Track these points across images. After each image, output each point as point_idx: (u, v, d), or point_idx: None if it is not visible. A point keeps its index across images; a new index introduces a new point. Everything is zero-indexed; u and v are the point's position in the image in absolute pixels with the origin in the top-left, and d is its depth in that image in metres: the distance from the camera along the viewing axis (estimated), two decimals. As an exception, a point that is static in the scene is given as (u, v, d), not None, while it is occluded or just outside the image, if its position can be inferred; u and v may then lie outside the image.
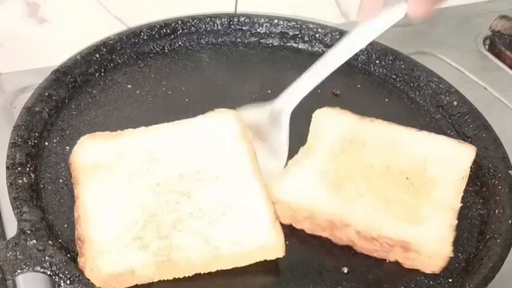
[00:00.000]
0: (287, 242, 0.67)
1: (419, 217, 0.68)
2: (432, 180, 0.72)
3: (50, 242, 0.60)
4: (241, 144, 0.71)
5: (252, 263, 0.63)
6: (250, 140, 0.72)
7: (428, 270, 0.66)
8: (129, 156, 0.69)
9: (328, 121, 0.78)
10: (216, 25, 0.92)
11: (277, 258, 0.65)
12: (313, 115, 0.78)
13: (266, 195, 0.66)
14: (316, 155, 0.74)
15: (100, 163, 0.68)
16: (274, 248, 0.63)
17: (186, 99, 0.83)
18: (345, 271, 0.65)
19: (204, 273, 0.62)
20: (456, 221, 0.69)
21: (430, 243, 0.66)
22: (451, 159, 0.75)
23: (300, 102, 0.82)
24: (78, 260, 0.61)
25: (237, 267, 0.63)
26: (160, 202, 0.65)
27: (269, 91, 0.85)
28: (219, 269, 0.62)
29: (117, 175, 0.67)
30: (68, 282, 0.58)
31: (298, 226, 0.68)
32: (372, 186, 0.70)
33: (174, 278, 0.62)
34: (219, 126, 0.73)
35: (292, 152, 0.74)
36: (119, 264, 0.60)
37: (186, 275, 0.61)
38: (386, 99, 0.88)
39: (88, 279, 0.59)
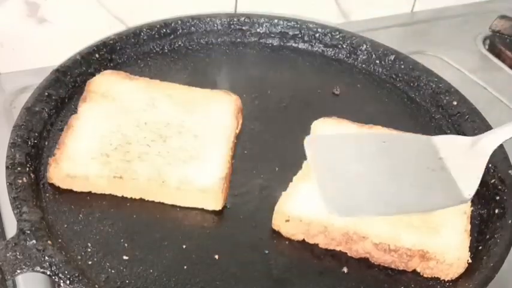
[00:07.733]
0: (287, 242, 0.67)
1: (435, 224, 0.67)
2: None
3: (49, 242, 0.60)
4: (228, 119, 0.78)
5: (191, 206, 0.69)
6: (239, 121, 0.79)
7: (447, 278, 0.65)
8: (135, 95, 0.79)
9: (327, 132, 0.77)
10: (215, 25, 0.92)
11: (279, 257, 0.65)
12: (312, 127, 0.78)
13: (228, 157, 0.73)
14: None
15: (109, 93, 0.78)
16: (212, 196, 0.69)
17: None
18: (345, 271, 0.65)
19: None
20: (469, 226, 0.68)
21: (450, 250, 0.65)
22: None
23: (300, 107, 0.82)
24: (49, 159, 0.69)
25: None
26: (139, 136, 0.73)
27: (269, 91, 0.85)
28: (161, 200, 0.70)
29: (118, 105, 0.77)
30: (68, 282, 0.58)
31: (311, 241, 0.67)
32: None
33: (123, 196, 0.69)
34: (217, 100, 0.80)
35: (294, 163, 0.73)
36: (78, 169, 0.69)
37: (132, 196, 0.69)
38: (386, 99, 0.88)
39: (88, 280, 0.60)
